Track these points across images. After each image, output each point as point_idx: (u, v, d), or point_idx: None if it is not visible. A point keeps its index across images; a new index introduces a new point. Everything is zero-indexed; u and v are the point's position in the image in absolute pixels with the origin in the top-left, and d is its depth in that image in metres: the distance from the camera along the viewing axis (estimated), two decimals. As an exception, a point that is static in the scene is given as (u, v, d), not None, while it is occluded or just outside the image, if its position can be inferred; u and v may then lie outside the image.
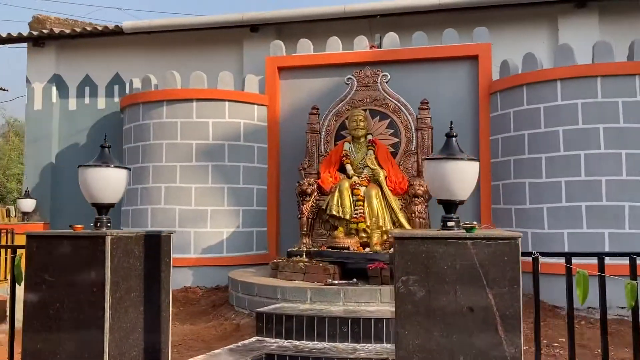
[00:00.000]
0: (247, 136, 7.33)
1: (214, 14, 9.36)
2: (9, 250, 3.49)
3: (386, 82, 6.79)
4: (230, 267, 6.79)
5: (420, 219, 5.84)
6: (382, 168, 6.14)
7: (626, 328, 4.80)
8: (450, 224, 2.44)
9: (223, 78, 7.28)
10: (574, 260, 2.75)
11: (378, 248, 5.63)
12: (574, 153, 5.99)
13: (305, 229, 5.98)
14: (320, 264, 5.49)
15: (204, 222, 7.04)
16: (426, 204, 5.94)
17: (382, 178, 5.98)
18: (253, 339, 4.33)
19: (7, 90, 15.92)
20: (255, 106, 7.45)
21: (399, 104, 6.67)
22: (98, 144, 10.00)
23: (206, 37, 8.68)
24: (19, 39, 9.04)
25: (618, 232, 5.79)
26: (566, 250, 5.98)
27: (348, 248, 5.65)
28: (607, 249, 5.71)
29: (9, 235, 7.07)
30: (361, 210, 5.78)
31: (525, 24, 7.60)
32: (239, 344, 4.21)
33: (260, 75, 7.66)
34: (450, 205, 2.53)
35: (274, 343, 4.17)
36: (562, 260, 2.71)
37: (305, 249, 5.80)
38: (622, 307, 5.31)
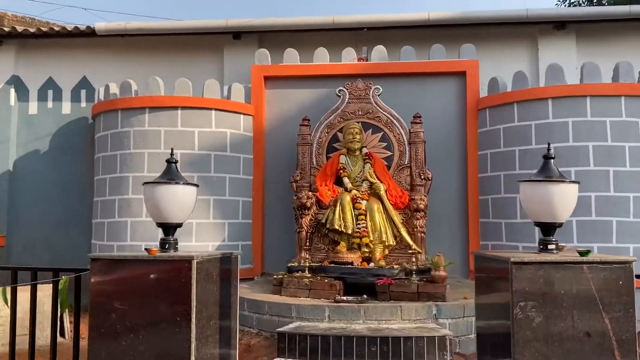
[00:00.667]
0: (234, 147, 7.08)
1: (184, 19, 9.03)
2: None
3: (378, 95, 6.78)
4: (218, 283, 6.50)
5: (422, 234, 5.84)
6: (381, 182, 6.10)
7: None
8: (550, 246, 2.41)
9: (210, 85, 7.01)
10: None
11: (383, 263, 5.56)
12: (565, 169, 6.17)
13: (307, 244, 5.82)
14: (326, 280, 5.36)
15: (189, 235, 6.71)
16: (426, 218, 5.94)
17: (382, 192, 5.94)
18: (275, 361, 4.14)
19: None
20: (242, 116, 7.22)
21: (391, 118, 6.68)
22: (63, 151, 9.44)
23: (184, 43, 8.35)
24: (-27, 36, 8.35)
25: (606, 246, 6.01)
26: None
27: (352, 263, 5.55)
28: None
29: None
30: (364, 225, 5.70)
31: (507, 43, 7.83)
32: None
33: (243, 83, 7.43)
34: (549, 228, 2.50)
35: (299, 365, 4.00)
36: None
37: (307, 264, 5.64)
38: None
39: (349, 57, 7.44)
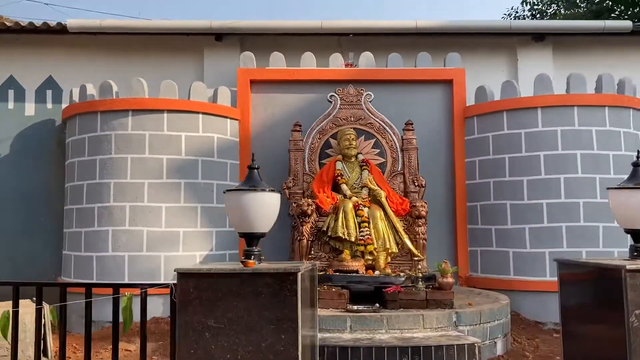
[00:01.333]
0: (221, 152, 6.84)
1: (152, 19, 8.67)
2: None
3: (370, 102, 6.75)
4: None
5: (423, 241, 5.84)
6: (381, 188, 6.05)
7: None
8: (644, 254, 2.42)
9: (196, 88, 6.74)
10: None
11: (389, 271, 5.51)
12: (555, 177, 6.37)
13: (312, 252, 5.68)
14: (334, 289, 5.23)
15: (175, 245, 6.40)
16: (427, 225, 5.95)
17: (384, 199, 5.89)
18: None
19: None
20: (229, 120, 6.98)
21: (383, 124, 6.66)
22: (25, 155, 8.80)
23: (161, 43, 7.99)
24: None
25: (594, 250, 6.25)
26: (547, 269, 6.33)
27: (357, 271, 5.45)
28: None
29: None
30: (367, 232, 5.63)
31: (488, 53, 8.01)
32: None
33: (224, 86, 7.19)
34: (642, 235, 2.51)
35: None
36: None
37: (311, 274, 5.48)
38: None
39: (336, 63, 7.36)
